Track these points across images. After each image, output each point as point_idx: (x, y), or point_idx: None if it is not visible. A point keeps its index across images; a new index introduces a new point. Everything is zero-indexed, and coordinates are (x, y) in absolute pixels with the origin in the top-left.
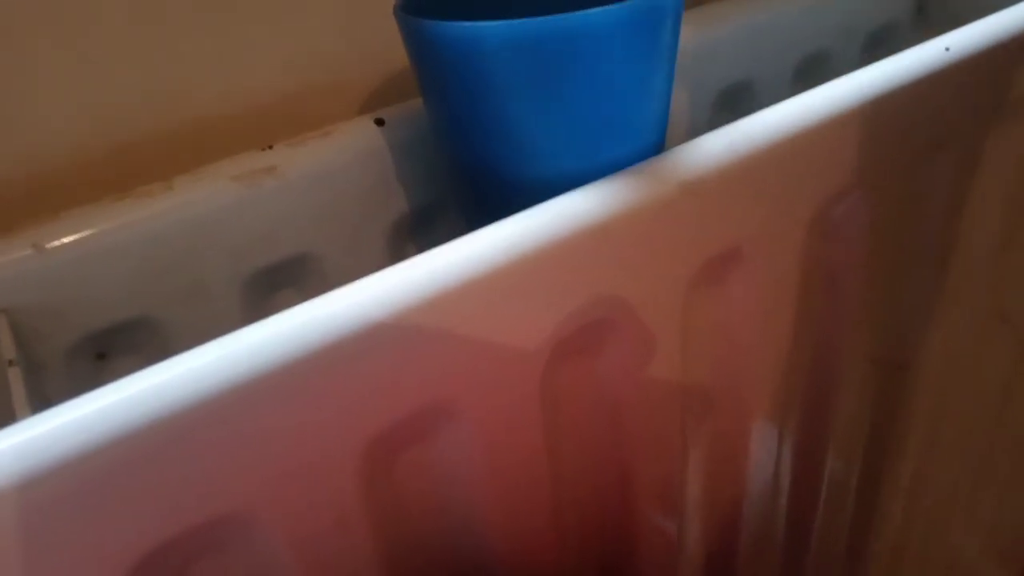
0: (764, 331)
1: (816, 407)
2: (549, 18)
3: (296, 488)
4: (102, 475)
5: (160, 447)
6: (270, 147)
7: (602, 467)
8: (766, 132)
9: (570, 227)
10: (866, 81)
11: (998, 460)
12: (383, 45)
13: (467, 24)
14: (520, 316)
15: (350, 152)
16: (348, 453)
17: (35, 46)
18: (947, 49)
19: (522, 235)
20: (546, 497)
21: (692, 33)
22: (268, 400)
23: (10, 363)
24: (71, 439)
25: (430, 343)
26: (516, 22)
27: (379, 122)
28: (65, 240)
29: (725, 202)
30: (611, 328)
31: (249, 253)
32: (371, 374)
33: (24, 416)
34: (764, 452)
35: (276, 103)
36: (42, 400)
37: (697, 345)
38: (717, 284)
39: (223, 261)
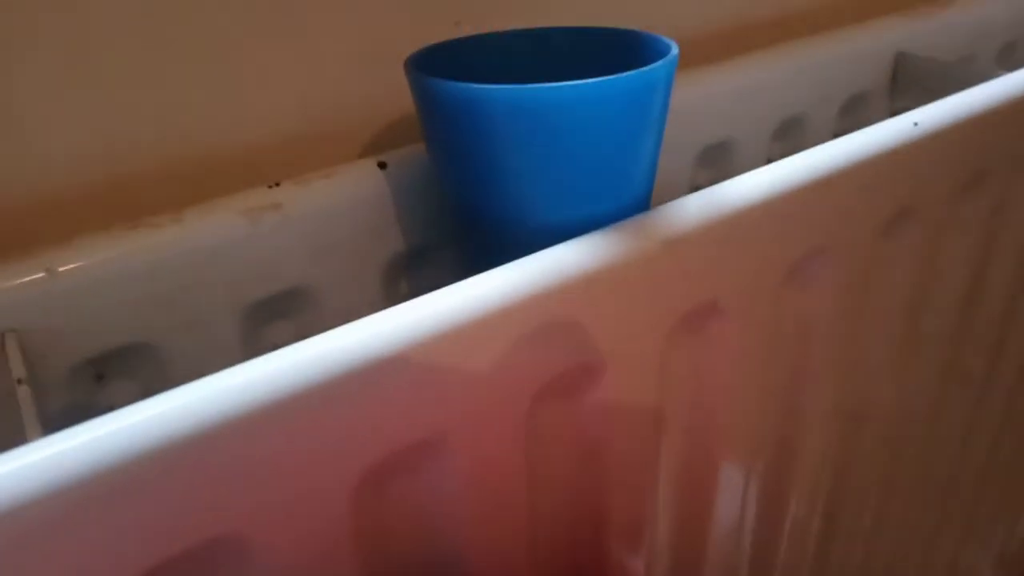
0: (738, 379)
1: (782, 452)
2: (550, 86)
3: (289, 517)
4: (100, 497)
5: (158, 473)
6: (277, 184)
7: (578, 505)
8: (744, 195)
9: (558, 277)
10: (839, 150)
11: (953, 506)
12: (389, 92)
13: (474, 86)
14: (508, 359)
15: (352, 192)
16: (341, 485)
17: (51, 72)
18: (915, 124)
19: (514, 284)
20: (524, 532)
21: (679, 93)
22: (265, 433)
23: (19, 382)
24: (74, 463)
25: (423, 381)
26: (519, 88)
27: (381, 165)
28: (75, 265)
29: (704, 259)
30: (592, 373)
31: (249, 285)
32: (366, 409)
33: (34, 434)
34: (731, 494)
35: (284, 143)
36: (43, 418)
37: (674, 391)
38: (694, 334)
39: (224, 292)
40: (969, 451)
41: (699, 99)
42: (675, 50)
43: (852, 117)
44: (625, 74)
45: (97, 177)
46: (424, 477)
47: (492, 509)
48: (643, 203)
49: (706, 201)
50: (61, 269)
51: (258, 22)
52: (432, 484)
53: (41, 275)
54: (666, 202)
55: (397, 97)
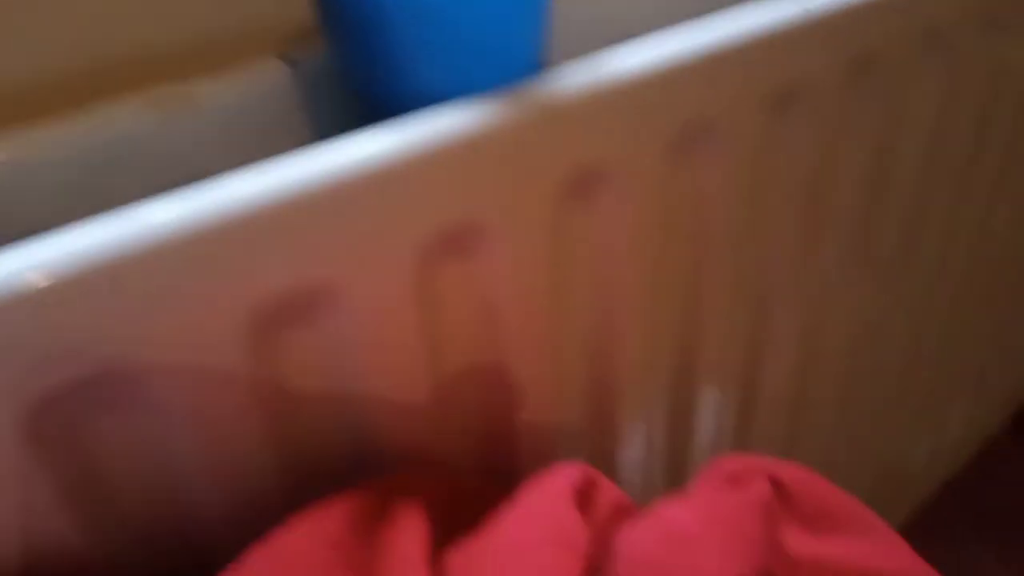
0: (635, 253)
1: (689, 330)
2: None
3: (186, 350)
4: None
5: (62, 301)
6: (185, 80)
7: (484, 367)
8: (628, 64)
9: (442, 138)
10: (725, 25)
11: (864, 384)
12: None
13: None
14: (393, 214)
15: (261, 86)
16: (233, 326)
17: None
18: (807, 9)
19: (398, 143)
20: (427, 392)
21: None
22: (161, 265)
23: None
24: None
25: (310, 229)
26: None
27: (289, 61)
28: None
29: (587, 125)
30: (482, 234)
31: (162, 175)
32: (252, 253)
33: None
34: (641, 368)
35: (194, 40)
36: None
37: (570, 259)
38: (584, 202)
39: (138, 181)
40: (888, 338)
41: None
42: None
43: None
44: None
45: (16, 73)
46: (319, 331)
47: (393, 370)
48: (531, 73)
49: (590, 69)
50: None
51: None
52: (329, 339)
53: None
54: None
55: None
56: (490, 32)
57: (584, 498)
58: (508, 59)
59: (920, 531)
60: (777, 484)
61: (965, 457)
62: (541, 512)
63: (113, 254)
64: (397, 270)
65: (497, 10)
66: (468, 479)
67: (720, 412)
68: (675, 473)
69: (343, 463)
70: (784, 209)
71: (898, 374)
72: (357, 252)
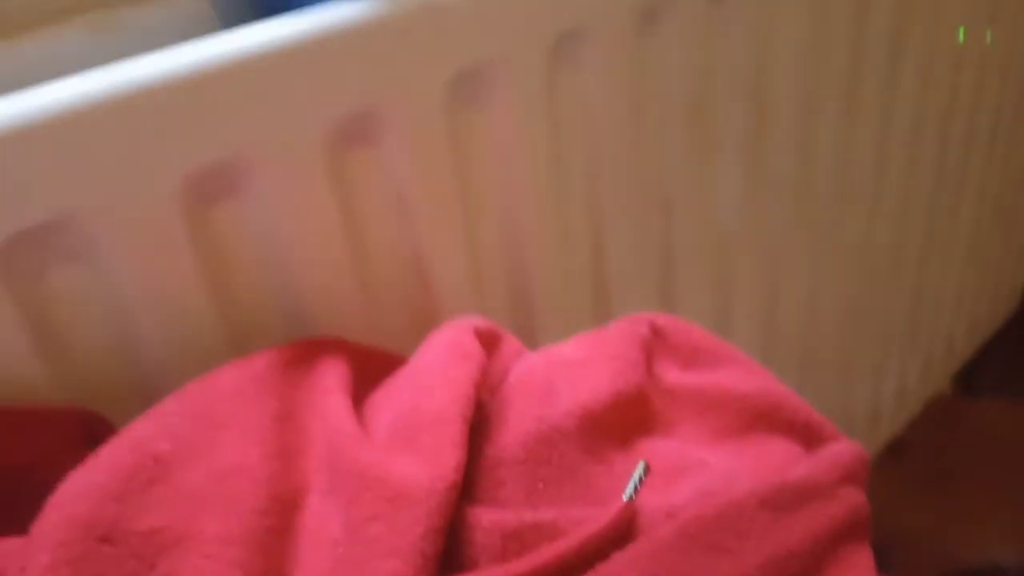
0: (528, 150)
1: (594, 239)
2: None
3: (131, 211)
4: None
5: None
6: (113, 7)
7: (402, 254)
8: None
9: (335, 24)
10: None
11: (784, 322)
12: None
13: None
14: (295, 96)
15: (181, 9)
16: (165, 188)
17: None
18: None
19: (289, 34)
20: (349, 269)
21: None
22: (101, 128)
23: None
24: None
25: (226, 106)
26: None
27: None
28: None
29: (467, 22)
30: (382, 123)
31: None
32: (176, 122)
33: None
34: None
35: None
36: None
37: (469, 155)
38: (476, 100)
39: None
40: (798, 271)
41: None
42: None
43: None
44: None
45: None
46: (245, 204)
47: (315, 249)
48: None
49: None
50: None
51: None
52: (255, 212)
53: None
54: None
55: None
56: None
57: (486, 339)
58: None
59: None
60: (655, 327)
61: (908, 415)
62: (442, 340)
63: (64, 114)
64: (306, 149)
65: None
66: (386, 351)
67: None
68: None
69: (276, 335)
70: (669, 121)
71: (817, 312)
72: (269, 130)
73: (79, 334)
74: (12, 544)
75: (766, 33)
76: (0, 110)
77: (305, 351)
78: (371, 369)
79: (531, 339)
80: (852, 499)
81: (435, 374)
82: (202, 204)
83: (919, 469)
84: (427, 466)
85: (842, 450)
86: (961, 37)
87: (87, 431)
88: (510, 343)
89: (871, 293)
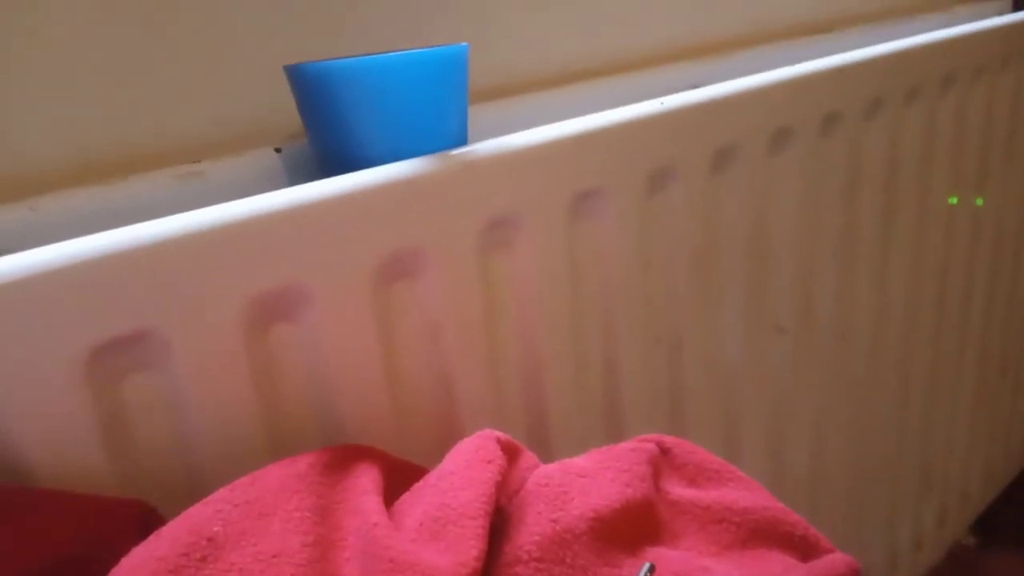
0: (548, 290)
1: (608, 369)
2: (373, 57)
3: (199, 331)
4: None
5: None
6: (199, 162)
7: (434, 378)
8: (532, 139)
9: (386, 185)
10: (611, 117)
11: (794, 455)
12: (283, 98)
13: (322, 63)
14: (349, 238)
15: (256, 168)
16: (232, 310)
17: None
18: (661, 103)
19: (354, 184)
20: (384, 391)
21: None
22: (181, 258)
23: None
24: None
25: (295, 241)
26: (351, 60)
27: (277, 150)
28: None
29: (498, 180)
30: (423, 262)
31: None
32: (244, 259)
33: None
34: (566, 387)
35: (205, 134)
36: None
37: (496, 291)
38: (504, 244)
39: None
40: (804, 407)
41: None
42: (466, 45)
43: None
44: (419, 50)
45: (75, 148)
46: (300, 328)
47: (356, 372)
48: (456, 146)
49: (500, 142)
50: (41, 209)
51: (184, 46)
52: (307, 337)
53: (25, 212)
54: None
55: (289, 102)
56: (423, 115)
57: (506, 449)
58: (439, 137)
59: None
60: (663, 446)
61: (927, 564)
62: (467, 448)
63: (151, 246)
64: (355, 282)
65: (426, 99)
66: (413, 462)
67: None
68: None
69: (316, 443)
70: (677, 268)
71: (824, 456)
72: (325, 265)
73: (143, 433)
74: None
75: (763, 195)
76: (100, 240)
77: (343, 455)
78: (400, 475)
79: (546, 458)
80: None
81: (461, 475)
82: (262, 325)
83: None
84: (452, 556)
85: (837, 560)
86: (953, 200)
87: (142, 520)
88: (527, 457)
89: (879, 438)
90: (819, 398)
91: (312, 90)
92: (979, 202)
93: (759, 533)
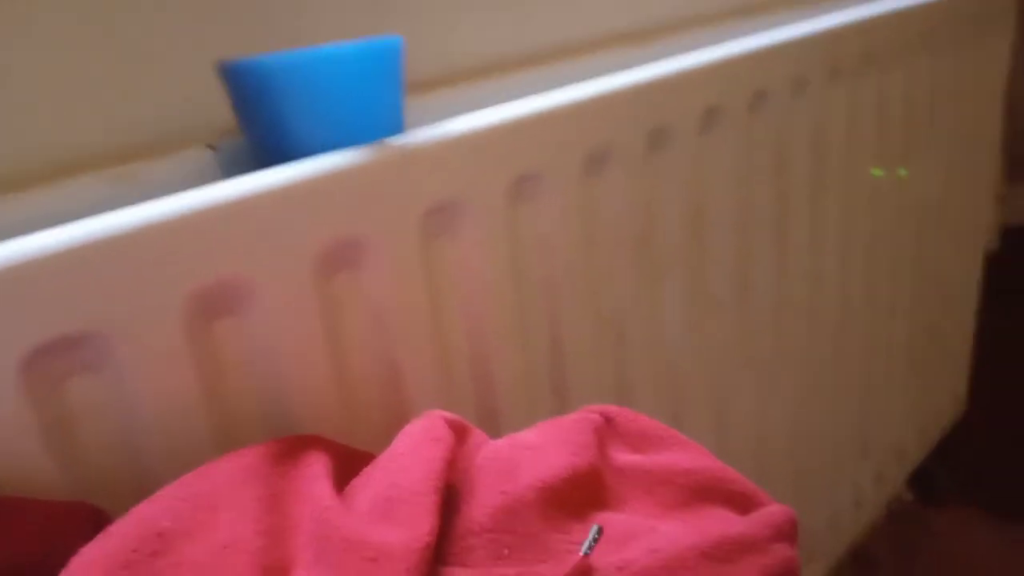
0: (491, 275)
1: (554, 352)
2: (304, 51)
3: (140, 327)
4: None
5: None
6: (131, 163)
7: (379, 365)
8: (468, 124)
9: (317, 173)
10: (546, 101)
11: (740, 430)
12: (215, 97)
13: (254, 59)
14: (290, 228)
15: (190, 168)
16: (171, 306)
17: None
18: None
19: (290, 177)
20: (332, 383)
21: None
22: (116, 257)
23: None
24: None
25: (232, 233)
26: (283, 54)
27: (211, 147)
28: None
29: (437, 166)
30: (365, 250)
31: None
32: (182, 252)
33: None
34: (513, 372)
35: (136, 135)
36: None
37: (440, 277)
38: (445, 230)
39: None
40: (746, 382)
41: None
42: (399, 38)
43: None
44: (353, 43)
45: (10, 159)
46: (243, 320)
47: (303, 360)
48: (392, 134)
49: (438, 128)
50: None
51: (111, 44)
52: (252, 328)
53: None
54: None
55: (222, 99)
56: (358, 104)
57: (454, 429)
58: (374, 126)
59: None
60: (607, 416)
61: (866, 523)
62: (416, 429)
63: (83, 246)
64: (297, 273)
65: (361, 92)
66: (363, 450)
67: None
68: None
69: (265, 434)
70: (618, 249)
71: (766, 423)
72: (265, 256)
73: (88, 435)
74: None
75: (698, 174)
76: (31, 242)
77: (292, 445)
78: (350, 463)
79: (495, 437)
80: (783, 553)
81: (409, 456)
82: (204, 320)
83: None
84: (405, 531)
85: (774, 511)
86: (876, 172)
87: (91, 525)
88: (476, 434)
89: (818, 404)
90: (759, 368)
91: (245, 87)
92: (903, 173)
93: (701, 492)
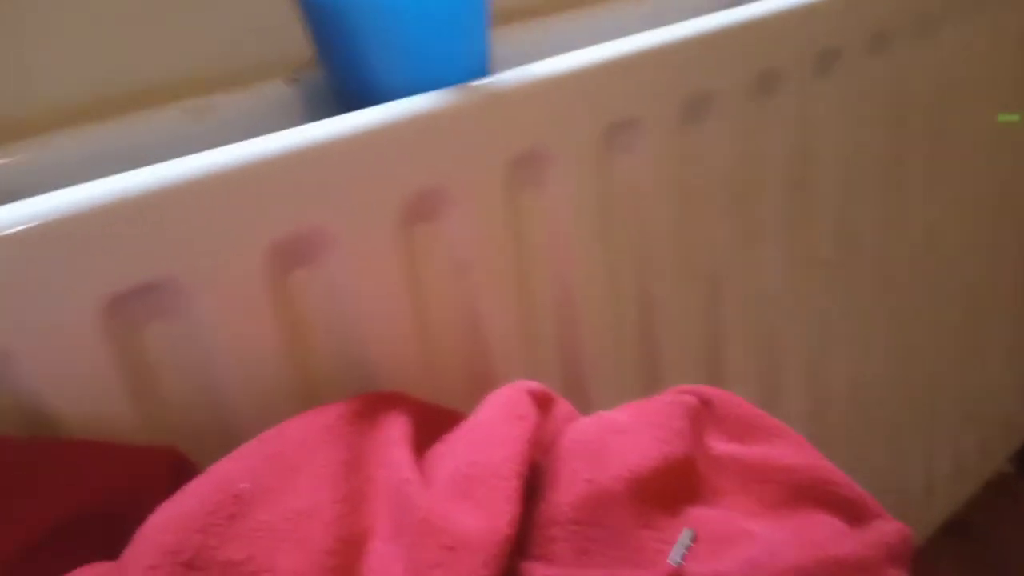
0: (579, 227)
1: (643, 305)
2: None
3: (222, 276)
4: None
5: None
6: (210, 95)
7: (464, 320)
8: (560, 66)
9: (407, 118)
10: (644, 40)
11: (835, 396)
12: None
13: None
14: (372, 176)
15: (270, 100)
16: (251, 256)
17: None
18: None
19: (372, 120)
20: (413, 334)
21: None
22: (197, 203)
23: None
24: None
25: (313, 179)
26: None
27: (293, 81)
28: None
29: (526, 112)
30: (447, 200)
31: None
32: (260, 195)
33: None
34: (605, 328)
35: (215, 66)
36: None
37: (525, 229)
38: (532, 181)
39: None
40: (846, 347)
41: None
42: None
43: None
44: None
45: (82, 87)
46: (322, 272)
47: (383, 314)
48: (479, 77)
49: (528, 71)
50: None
51: None
52: (330, 280)
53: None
54: None
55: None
56: (442, 42)
57: (540, 401)
58: (459, 65)
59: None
60: (704, 399)
61: (966, 494)
62: (500, 401)
63: (164, 190)
64: (378, 223)
65: (445, 25)
66: (446, 407)
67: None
68: None
69: (345, 389)
70: (714, 205)
71: (865, 387)
72: (345, 206)
73: (169, 381)
74: (104, 568)
75: (806, 123)
76: (108, 185)
77: (372, 404)
78: (431, 423)
79: (582, 404)
80: None
81: (492, 432)
82: (283, 270)
83: (981, 552)
84: (484, 519)
85: (889, 530)
86: (1006, 118)
87: (173, 468)
88: (562, 406)
89: (920, 367)
90: (860, 328)
91: (324, 19)
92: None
93: (805, 493)
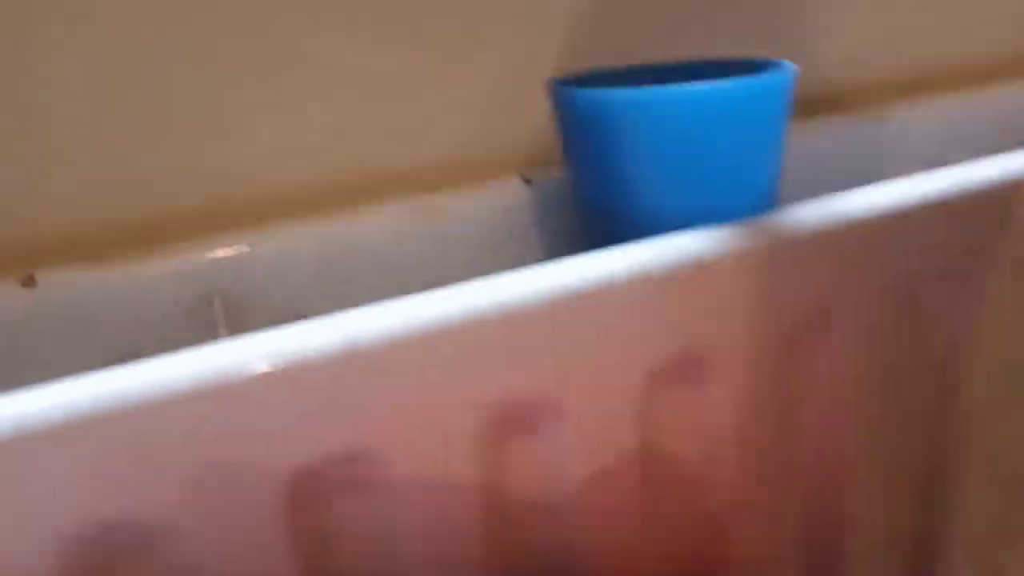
0: (857, 394)
1: (934, 493)
2: (669, 87)
3: (425, 442)
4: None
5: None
6: (438, 192)
7: (697, 503)
8: (863, 206)
9: (671, 260)
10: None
11: None
12: (533, 117)
13: (605, 91)
14: (621, 334)
15: (502, 202)
16: (466, 420)
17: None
18: None
19: (629, 262)
20: (638, 513)
21: None
22: (403, 361)
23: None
24: None
25: (546, 341)
26: (643, 89)
27: (527, 180)
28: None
29: (817, 265)
30: (702, 362)
31: (410, 274)
32: (490, 356)
33: None
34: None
35: (445, 163)
36: None
37: (793, 402)
38: (809, 343)
39: (395, 278)
40: None
41: None
42: (793, 66)
43: None
44: (737, 79)
45: (295, 179)
46: (542, 442)
47: (606, 489)
48: (764, 207)
49: (823, 209)
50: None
51: (431, 70)
52: (550, 451)
53: (246, 249)
54: None
55: (541, 121)
56: (735, 163)
57: None
58: (746, 191)
59: None
60: None
61: None
62: None
63: (370, 345)
64: (622, 390)
65: (744, 141)
66: None
67: None
68: None
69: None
70: None
71: None
72: (588, 368)
73: (346, 558)
74: None
75: None
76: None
77: None
78: None
79: None
80: None
81: None
82: (500, 439)
83: None
84: None
85: None
86: None
87: None
88: None
89: None
90: None
91: (583, 119)
92: None
93: None
